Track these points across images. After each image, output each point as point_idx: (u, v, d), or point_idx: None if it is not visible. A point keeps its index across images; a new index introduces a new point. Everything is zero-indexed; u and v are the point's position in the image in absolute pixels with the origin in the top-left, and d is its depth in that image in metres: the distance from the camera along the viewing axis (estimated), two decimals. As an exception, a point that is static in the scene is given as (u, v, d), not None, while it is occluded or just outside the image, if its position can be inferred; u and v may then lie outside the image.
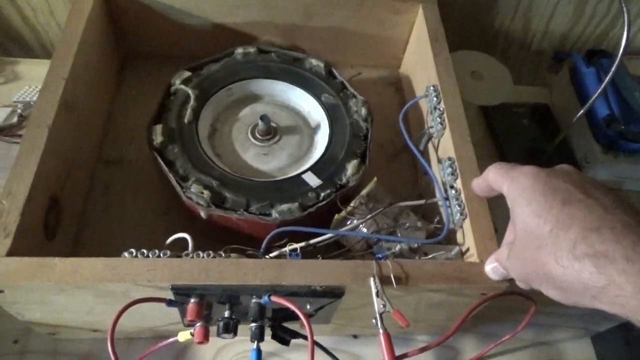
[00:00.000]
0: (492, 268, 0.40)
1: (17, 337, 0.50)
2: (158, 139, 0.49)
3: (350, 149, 0.52)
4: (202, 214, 0.46)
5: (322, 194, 0.48)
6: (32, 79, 0.68)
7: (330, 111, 0.55)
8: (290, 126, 0.56)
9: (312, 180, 0.48)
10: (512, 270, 0.35)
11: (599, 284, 0.28)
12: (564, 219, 0.30)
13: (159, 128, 0.50)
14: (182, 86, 0.54)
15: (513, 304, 0.46)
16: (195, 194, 0.46)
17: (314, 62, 0.59)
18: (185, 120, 0.52)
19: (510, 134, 0.71)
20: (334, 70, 0.59)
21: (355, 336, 0.54)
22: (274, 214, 0.46)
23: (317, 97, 0.56)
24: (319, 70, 0.58)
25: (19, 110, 0.61)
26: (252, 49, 0.59)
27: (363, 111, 0.54)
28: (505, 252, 0.38)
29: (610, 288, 0.27)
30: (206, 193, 0.45)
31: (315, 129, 0.56)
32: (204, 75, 0.56)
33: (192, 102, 0.53)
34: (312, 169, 0.50)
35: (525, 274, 0.33)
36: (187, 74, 0.56)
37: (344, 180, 0.49)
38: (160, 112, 0.53)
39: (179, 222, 0.53)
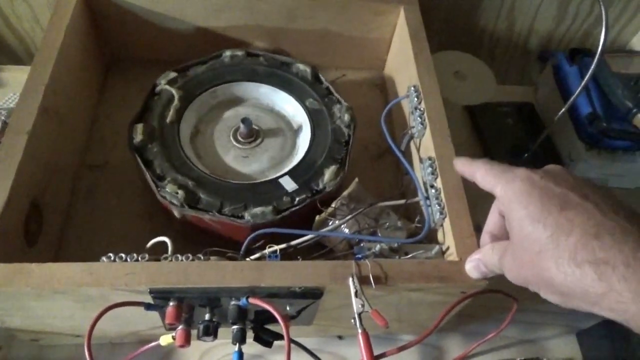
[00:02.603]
0: (472, 266, 0.40)
1: (1, 344, 0.50)
2: (138, 137, 0.50)
3: (330, 154, 0.52)
4: (176, 214, 0.46)
5: (297, 199, 0.48)
6: (17, 85, 0.67)
7: (314, 116, 0.55)
8: (273, 130, 0.56)
9: (289, 184, 0.48)
10: (508, 272, 0.35)
11: (599, 290, 0.28)
12: (564, 223, 0.30)
13: (140, 127, 0.50)
14: (167, 86, 0.54)
15: (497, 302, 0.46)
16: (170, 194, 0.46)
17: (301, 66, 0.59)
18: (168, 121, 0.52)
19: (496, 133, 0.71)
20: (321, 76, 0.59)
21: (340, 337, 0.54)
22: (247, 216, 0.46)
23: (302, 102, 0.56)
24: (306, 75, 0.59)
25: (3, 117, 0.61)
26: (240, 52, 0.59)
27: (346, 117, 0.54)
28: (491, 252, 0.38)
29: (610, 295, 0.27)
30: (180, 193, 0.46)
31: (297, 133, 0.57)
32: (189, 76, 0.57)
33: (175, 102, 0.53)
34: (290, 173, 0.50)
35: (523, 277, 0.33)
36: (173, 74, 0.56)
37: (321, 185, 0.49)
38: (143, 112, 0.53)
39: (163, 226, 0.53)
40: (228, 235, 0.48)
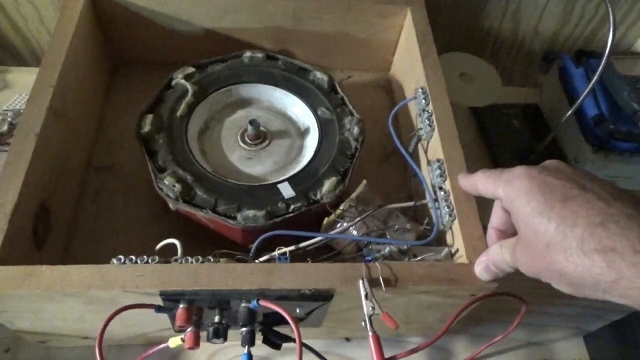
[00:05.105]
0: (482, 268, 0.40)
1: (9, 346, 0.50)
2: (146, 127, 0.50)
3: (333, 165, 0.51)
4: (171, 206, 0.47)
5: (293, 206, 0.47)
6: (22, 87, 0.68)
7: (323, 125, 0.55)
8: (281, 134, 0.56)
9: (287, 191, 0.48)
10: (522, 265, 0.35)
11: (609, 278, 0.28)
12: (567, 215, 0.30)
13: (149, 118, 0.51)
14: (183, 81, 0.55)
15: (505, 304, 0.46)
16: (167, 186, 0.46)
17: (319, 74, 0.59)
18: (178, 114, 0.52)
19: (501, 135, 0.71)
20: (337, 85, 0.59)
21: (347, 339, 0.54)
22: (239, 218, 0.45)
23: (314, 110, 0.56)
24: (322, 84, 0.58)
25: (9, 119, 0.61)
26: (260, 54, 0.60)
27: (356, 130, 0.53)
28: (500, 250, 0.38)
29: (621, 282, 0.28)
30: (177, 187, 0.46)
31: (305, 141, 0.56)
32: (206, 73, 0.57)
33: (189, 97, 0.54)
34: (290, 179, 0.49)
35: (535, 270, 0.33)
36: (191, 69, 0.56)
37: (318, 196, 0.49)
38: (155, 103, 0.53)
39: (170, 227, 0.53)
40: (223, 233, 0.48)
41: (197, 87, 0.55)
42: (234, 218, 0.46)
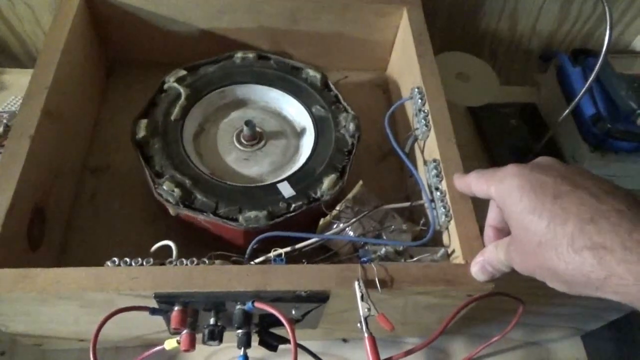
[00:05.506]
0: (478, 269, 0.40)
1: (4, 349, 0.50)
2: (141, 133, 0.50)
3: (330, 163, 0.51)
4: (171, 212, 0.46)
5: (293, 205, 0.47)
6: (18, 88, 0.68)
7: (319, 123, 0.55)
8: (277, 134, 0.55)
9: (286, 190, 0.48)
10: (516, 264, 0.35)
11: (600, 275, 0.28)
12: (558, 212, 0.30)
13: (143, 123, 0.51)
14: (175, 84, 0.54)
15: (502, 304, 0.46)
16: (166, 192, 0.46)
17: (311, 72, 0.58)
18: (172, 118, 0.52)
19: (499, 134, 0.71)
20: (330, 83, 0.59)
21: (345, 340, 0.54)
22: (241, 219, 0.45)
23: (308, 108, 0.56)
24: (315, 82, 0.58)
25: (5, 121, 0.61)
26: (251, 54, 0.59)
27: (351, 126, 0.53)
28: (495, 250, 0.38)
29: (611, 278, 0.27)
30: (177, 191, 0.46)
31: (301, 139, 0.56)
32: (198, 75, 0.57)
33: (182, 100, 0.54)
34: (289, 178, 0.49)
35: (529, 269, 0.33)
36: (183, 72, 0.56)
37: (318, 194, 0.49)
38: (149, 108, 0.53)
39: (166, 229, 0.53)
40: (222, 235, 0.48)
41: (189, 90, 0.54)
42: (236, 220, 0.46)
